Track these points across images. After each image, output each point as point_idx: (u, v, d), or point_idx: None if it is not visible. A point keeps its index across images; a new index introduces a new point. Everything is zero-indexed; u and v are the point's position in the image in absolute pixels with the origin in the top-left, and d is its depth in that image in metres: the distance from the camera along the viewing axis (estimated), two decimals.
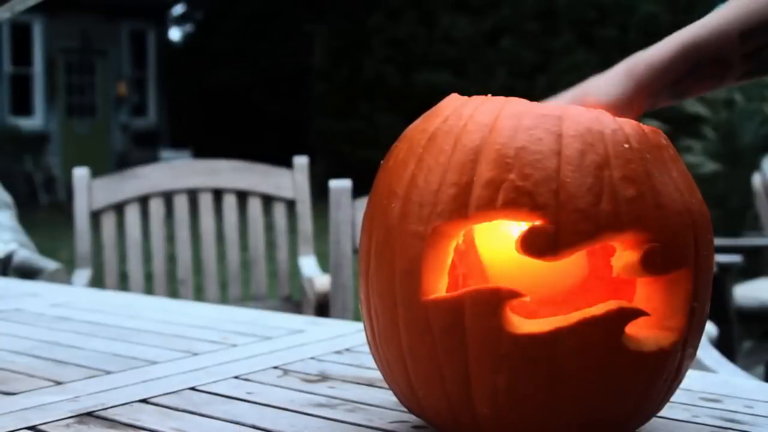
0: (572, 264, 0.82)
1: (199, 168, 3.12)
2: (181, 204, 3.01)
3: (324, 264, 3.10)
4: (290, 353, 1.26)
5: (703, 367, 1.65)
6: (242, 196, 3.07)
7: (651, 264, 0.80)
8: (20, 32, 15.95)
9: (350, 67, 15.39)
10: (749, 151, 6.90)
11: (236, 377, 1.14)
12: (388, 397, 1.03)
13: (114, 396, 1.05)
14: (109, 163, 16.35)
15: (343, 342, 1.33)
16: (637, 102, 0.99)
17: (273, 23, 17.73)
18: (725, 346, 3.08)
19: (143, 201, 2.98)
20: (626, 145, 0.81)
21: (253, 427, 0.94)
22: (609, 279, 0.83)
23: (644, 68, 1.00)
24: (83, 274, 2.80)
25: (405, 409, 0.96)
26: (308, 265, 2.99)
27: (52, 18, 15.93)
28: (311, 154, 5.70)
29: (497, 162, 0.80)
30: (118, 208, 2.94)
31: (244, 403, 1.02)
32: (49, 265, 2.65)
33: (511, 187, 0.79)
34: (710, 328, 2.32)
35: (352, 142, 14.85)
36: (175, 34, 20.73)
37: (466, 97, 0.88)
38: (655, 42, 1.02)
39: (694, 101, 7.31)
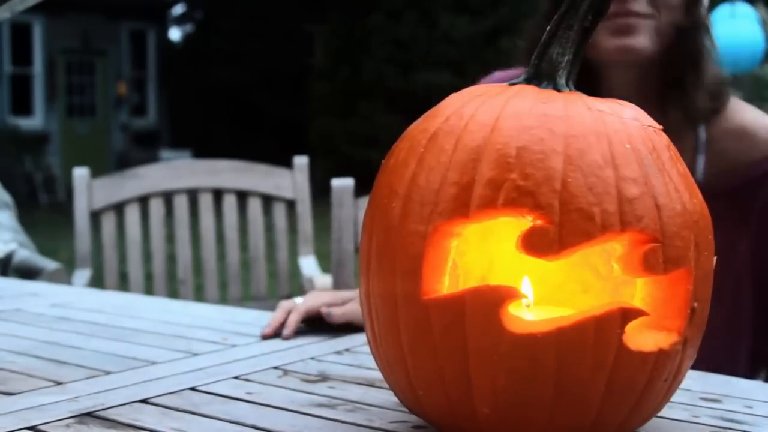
0: (573, 264, 0.82)
1: (199, 168, 3.11)
2: (181, 204, 3.01)
3: (324, 264, 3.10)
4: (290, 353, 1.26)
5: None
6: (242, 196, 3.07)
7: (652, 264, 0.80)
8: (20, 32, 15.94)
9: (350, 67, 15.37)
10: None
11: (236, 377, 1.14)
12: (388, 397, 1.03)
13: (114, 396, 1.05)
14: (109, 163, 16.34)
15: (343, 342, 1.33)
16: None
17: (273, 23, 17.71)
18: None
19: (143, 201, 2.97)
20: (628, 146, 0.81)
21: (253, 427, 0.93)
22: (609, 279, 0.83)
23: None
24: (83, 274, 2.79)
25: (405, 409, 0.96)
26: (308, 265, 2.99)
27: (52, 18, 15.92)
28: (311, 154, 5.70)
29: (498, 162, 0.80)
30: (118, 208, 2.94)
31: (244, 403, 1.02)
32: (49, 265, 2.65)
33: (513, 186, 0.79)
34: None
35: (352, 142, 14.83)
36: (175, 34, 20.71)
37: (467, 97, 0.88)
38: None
39: None
